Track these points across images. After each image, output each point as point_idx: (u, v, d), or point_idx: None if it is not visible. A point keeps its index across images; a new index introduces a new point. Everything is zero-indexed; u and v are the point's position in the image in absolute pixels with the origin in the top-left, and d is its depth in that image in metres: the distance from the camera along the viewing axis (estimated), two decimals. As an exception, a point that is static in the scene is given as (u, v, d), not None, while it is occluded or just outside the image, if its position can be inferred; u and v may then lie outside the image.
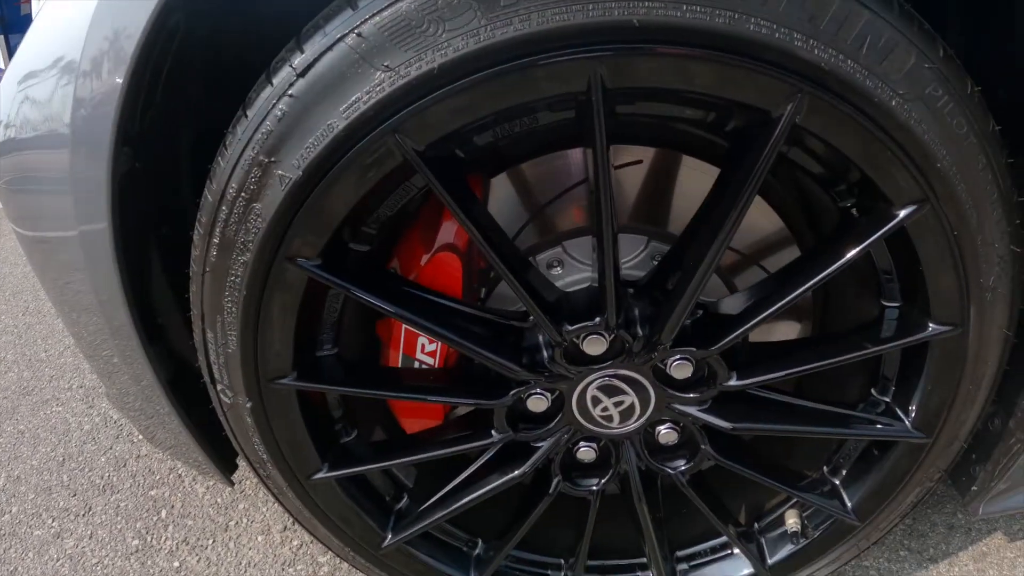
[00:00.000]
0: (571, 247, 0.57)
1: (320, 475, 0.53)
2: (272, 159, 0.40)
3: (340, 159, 0.40)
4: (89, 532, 1.01)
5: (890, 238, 0.44)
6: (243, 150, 0.41)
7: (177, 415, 0.57)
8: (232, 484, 0.68)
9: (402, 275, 0.53)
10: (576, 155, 0.55)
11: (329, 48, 0.38)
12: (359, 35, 0.37)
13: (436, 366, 0.55)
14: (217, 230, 0.43)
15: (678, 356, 0.50)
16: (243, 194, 0.42)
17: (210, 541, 0.93)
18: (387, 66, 0.37)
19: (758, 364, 0.53)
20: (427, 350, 0.53)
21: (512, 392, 0.51)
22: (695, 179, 0.54)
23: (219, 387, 0.49)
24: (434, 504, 0.58)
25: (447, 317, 0.48)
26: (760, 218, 0.57)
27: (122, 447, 1.19)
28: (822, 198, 0.50)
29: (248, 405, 0.48)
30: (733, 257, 0.59)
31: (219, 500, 1.00)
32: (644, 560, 0.64)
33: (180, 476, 1.07)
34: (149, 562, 0.93)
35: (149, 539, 0.96)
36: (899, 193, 0.42)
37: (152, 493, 1.05)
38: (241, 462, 0.63)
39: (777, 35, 0.37)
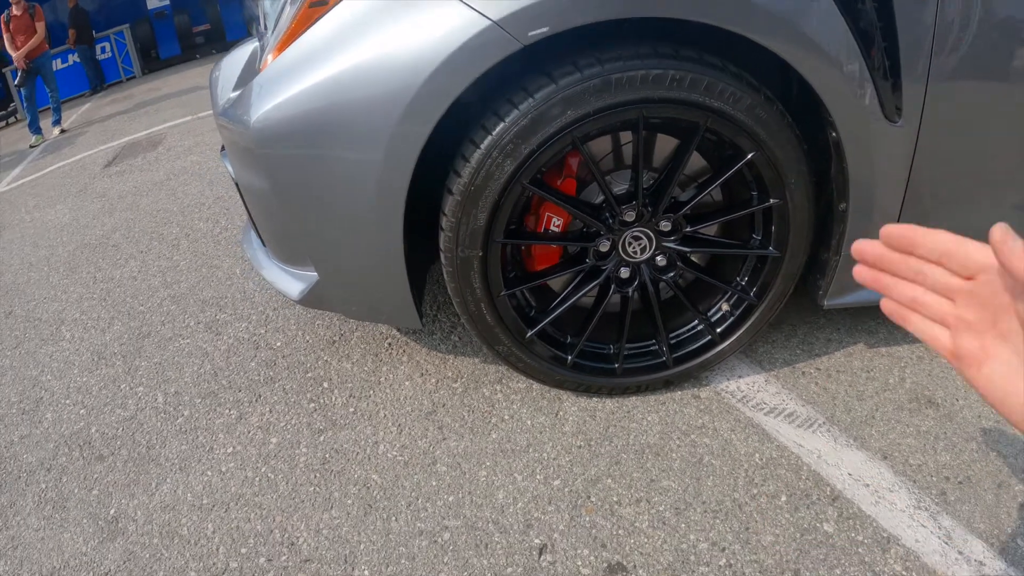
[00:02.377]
0: (616, 176, 1.11)
1: (503, 292, 1.05)
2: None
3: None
4: (268, 408, 1.41)
5: (747, 166, 1.01)
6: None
7: (408, 283, 1.07)
8: (423, 325, 1.18)
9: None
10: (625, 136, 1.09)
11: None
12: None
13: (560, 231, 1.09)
14: (483, 168, 0.93)
15: (663, 218, 1.06)
16: (500, 152, 0.92)
17: (371, 392, 1.39)
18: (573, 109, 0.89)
19: (700, 220, 1.10)
20: (555, 223, 1.07)
21: (595, 240, 1.05)
22: (669, 145, 1.10)
23: (460, 249, 1.00)
24: (551, 308, 1.12)
25: (571, 203, 1.02)
26: (697, 160, 1.14)
27: (265, 354, 1.59)
28: (719, 151, 1.08)
29: (479, 254, 0.99)
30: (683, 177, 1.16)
31: (366, 368, 1.45)
32: (654, 342, 1.21)
33: (327, 361, 1.51)
34: (329, 413, 1.37)
35: (322, 400, 1.41)
36: (747, 146, 0.97)
37: (309, 375, 1.48)
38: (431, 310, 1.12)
39: (701, 99, 0.92)
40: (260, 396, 1.45)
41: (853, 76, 0.91)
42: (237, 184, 1.23)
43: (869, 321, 1.39)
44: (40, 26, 5.35)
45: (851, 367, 1.30)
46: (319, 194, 1.01)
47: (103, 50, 7.74)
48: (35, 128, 5.45)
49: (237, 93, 1.15)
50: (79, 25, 7.29)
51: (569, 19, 0.85)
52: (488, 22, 0.84)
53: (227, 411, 1.43)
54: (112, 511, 1.22)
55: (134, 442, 1.39)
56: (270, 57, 1.03)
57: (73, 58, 7.47)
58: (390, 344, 1.52)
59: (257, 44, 1.28)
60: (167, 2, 8.20)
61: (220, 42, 8.59)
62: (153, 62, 8.26)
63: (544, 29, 0.84)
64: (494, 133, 0.91)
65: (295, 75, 0.95)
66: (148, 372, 1.61)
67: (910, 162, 1.00)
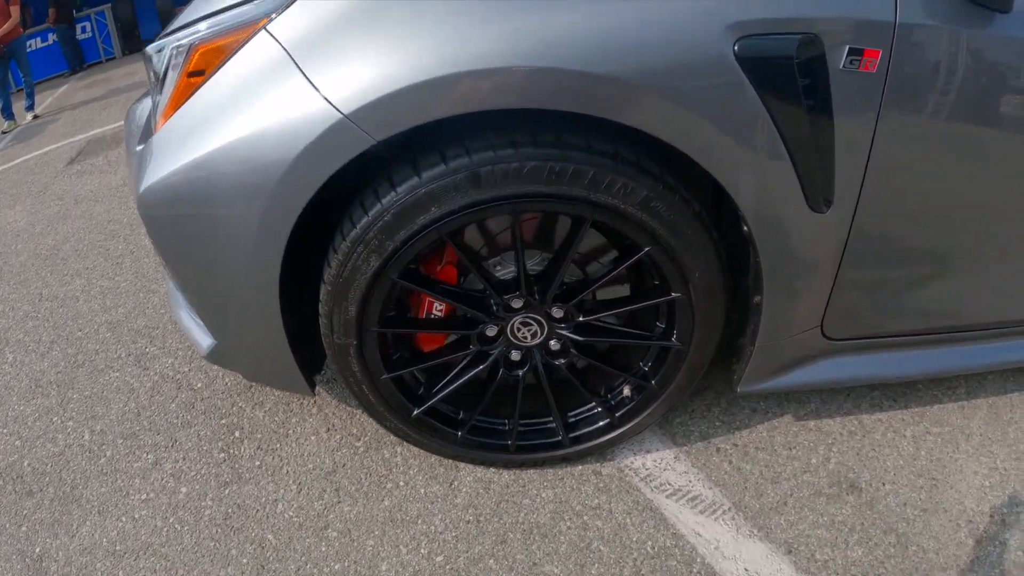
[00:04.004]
0: (505, 257, 1.10)
1: (384, 376, 1.05)
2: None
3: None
4: (182, 456, 1.42)
5: (646, 257, 0.98)
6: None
7: (292, 355, 1.07)
8: (313, 394, 1.18)
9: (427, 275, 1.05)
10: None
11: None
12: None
13: (443, 317, 1.09)
14: (349, 261, 0.92)
15: (555, 307, 1.06)
16: (365, 248, 0.91)
17: (277, 445, 1.40)
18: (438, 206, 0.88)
19: (597, 310, 1.10)
20: (437, 308, 1.06)
21: (478, 326, 1.05)
22: (563, 227, 1.08)
23: (336, 336, 0.99)
24: (437, 390, 1.12)
25: (449, 295, 1.02)
26: (593, 239, 1.12)
27: (186, 395, 1.60)
28: (619, 238, 1.07)
29: (354, 343, 0.99)
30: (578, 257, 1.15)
31: (276, 419, 1.47)
32: (551, 419, 1.22)
33: (242, 407, 1.52)
34: (236, 464, 1.38)
35: (231, 451, 1.42)
36: (643, 240, 0.95)
37: (223, 422, 1.50)
38: (318, 379, 1.13)
39: (584, 194, 0.89)
40: (176, 441, 1.47)
41: (765, 165, 0.86)
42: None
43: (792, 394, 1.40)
44: (15, 10, 5.23)
45: (772, 443, 1.30)
46: (202, 264, 1.00)
47: (83, 30, 7.59)
48: (8, 114, 5.37)
49: (140, 148, 1.14)
50: (59, 4, 7.13)
51: (428, 113, 0.82)
52: (339, 116, 0.82)
53: (145, 455, 1.45)
54: (38, 549, 1.25)
55: (60, 480, 1.42)
56: (160, 121, 1.02)
57: (53, 37, 7.33)
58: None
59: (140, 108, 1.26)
60: (149, -19, 8.02)
61: None
62: (134, 42, 8.10)
63: (395, 132, 0.82)
64: (358, 227, 0.90)
65: (177, 146, 0.94)
66: (79, 406, 1.63)
67: (841, 251, 0.98)
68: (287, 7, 0.86)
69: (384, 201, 0.88)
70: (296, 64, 0.84)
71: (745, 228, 0.94)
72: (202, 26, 0.94)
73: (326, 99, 0.81)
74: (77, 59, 7.50)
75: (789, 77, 0.81)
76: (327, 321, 0.98)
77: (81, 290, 2.23)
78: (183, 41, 0.94)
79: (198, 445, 1.44)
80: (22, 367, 1.85)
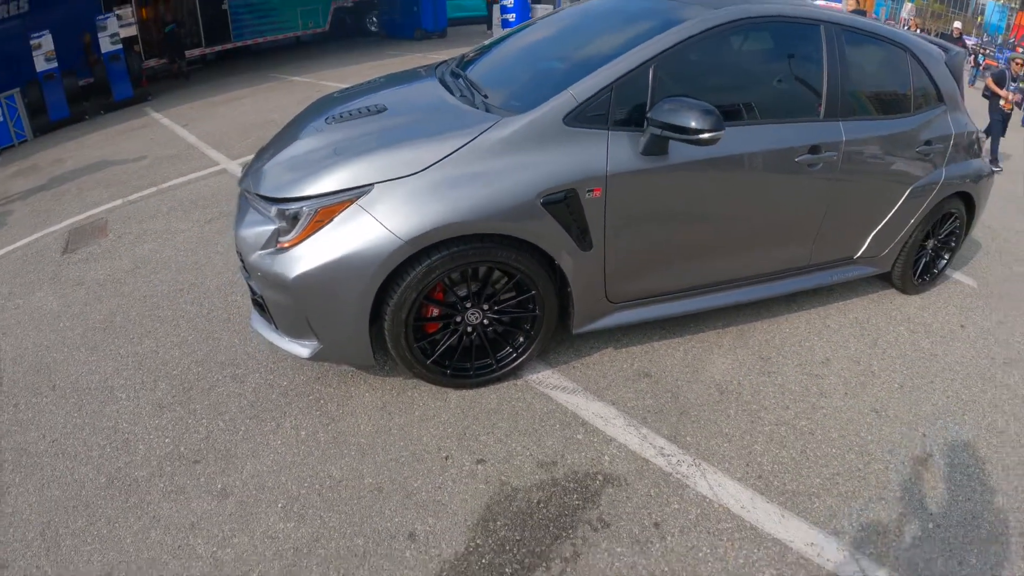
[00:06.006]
0: (461, 286, 2.41)
1: (415, 344, 2.31)
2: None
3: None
4: (291, 419, 2.51)
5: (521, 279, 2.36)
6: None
7: (369, 345, 2.29)
8: (375, 363, 2.40)
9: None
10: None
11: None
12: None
13: (437, 315, 2.38)
14: (403, 293, 2.19)
15: (484, 304, 2.38)
16: (409, 288, 2.18)
17: (347, 404, 2.57)
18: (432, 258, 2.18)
19: (505, 304, 2.44)
20: (433, 311, 2.35)
21: (457, 316, 2.36)
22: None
23: (395, 327, 2.24)
24: (436, 351, 2.40)
25: (440, 304, 2.31)
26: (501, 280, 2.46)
27: (277, 390, 2.64)
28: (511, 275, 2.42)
29: (403, 331, 2.24)
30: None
31: (341, 392, 2.63)
32: (489, 359, 2.53)
33: (319, 388, 2.62)
34: (328, 417, 2.53)
35: (322, 409, 2.56)
36: (518, 273, 2.33)
37: (309, 398, 2.61)
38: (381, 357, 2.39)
39: (493, 258, 2.25)
40: (285, 413, 2.55)
41: (562, 239, 2.24)
42: (262, 296, 2.35)
43: (620, 337, 2.84)
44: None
45: (601, 359, 2.73)
46: (328, 304, 2.19)
47: (-7, 116, 7.84)
48: (-51, 209, 5.69)
49: (267, 252, 2.27)
50: (-36, 94, 7.35)
51: (432, 238, 2.12)
52: (400, 240, 2.08)
53: (269, 424, 2.46)
54: (219, 486, 2.28)
55: (215, 449, 2.33)
56: (292, 240, 2.18)
57: (-40, 126, 7.51)
58: (387, 392, 2.70)
59: (260, 228, 2.35)
60: (55, 64, 8.42)
61: (106, 97, 8.92)
62: (43, 124, 8.43)
63: (421, 246, 2.10)
64: (406, 280, 2.16)
65: (316, 254, 2.12)
66: (204, 410, 2.62)
67: (603, 265, 2.38)
68: (365, 194, 2.11)
69: (416, 269, 2.16)
70: (374, 218, 2.09)
71: (558, 263, 2.33)
72: (323, 200, 2.14)
73: (392, 232, 2.08)
74: (-13, 144, 7.69)
75: (563, 206, 2.22)
76: (391, 321, 2.22)
77: (155, 346, 3.10)
78: (314, 205, 2.14)
79: (298, 412, 2.55)
80: (138, 399, 2.71)
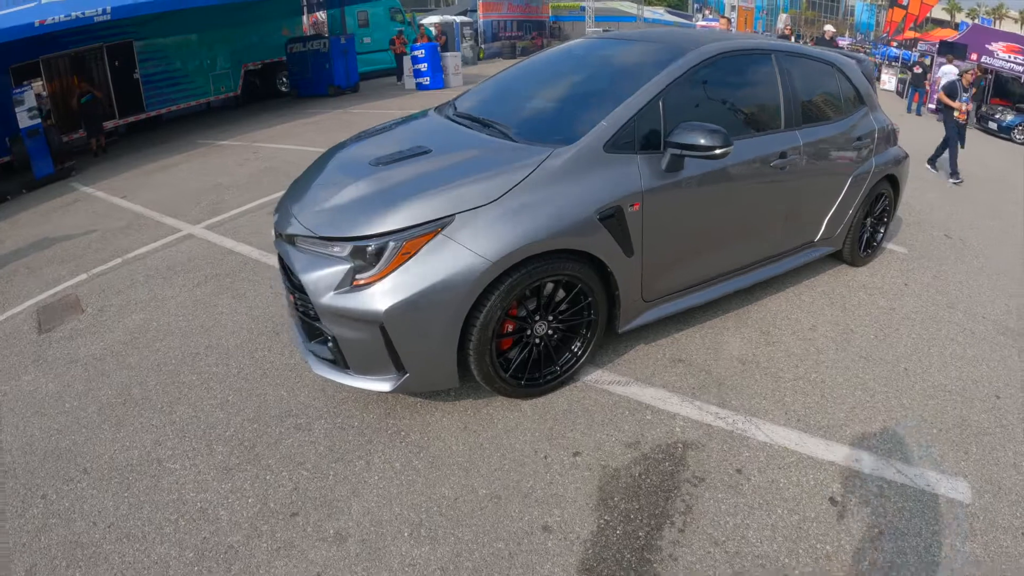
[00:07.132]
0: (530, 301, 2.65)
1: (497, 359, 2.51)
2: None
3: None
4: (378, 453, 2.55)
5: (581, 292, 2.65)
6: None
7: (456, 367, 2.45)
8: (459, 384, 2.55)
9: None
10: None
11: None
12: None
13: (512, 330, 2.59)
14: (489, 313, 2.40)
15: (549, 316, 2.64)
16: (494, 308, 2.39)
17: (428, 431, 2.67)
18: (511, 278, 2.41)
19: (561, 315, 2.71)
20: (508, 328, 2.57)
21: (527, 327, 2.59)
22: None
23: (480, 345, 2.43)
24: (511, 366, 2.60)
25: (516, 318, 2.54)
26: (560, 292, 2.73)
27: (352, 430, 2.69)
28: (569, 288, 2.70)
29: (488, 348, 2.44)
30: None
31: (417, 421, 2.72)
32: (554, 367, 2.77)
33: (391, 422, 2.71)
34: (407, 444, 2.61)
35: (400, 437, 2.63)
36: (578, 282, 2.62)
37: (382, 433, 2.69)
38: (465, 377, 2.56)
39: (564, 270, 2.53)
40: (369, 451, 2.61)
41: (612, 248, 2.56)
42: (334, 337, 2.44)
43: (648, 334, 3.18)
44: None
45: (645, 352, 3.06)
46: (417, 333, 2.33)
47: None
48: None
49: (343, 291, 2.38)
50: None
51: (514, 259, 2.35)
52: (488, 261, 2.29)
53: (358, 462, 2.46)
54: (332, 530, 2.31)
55: (311, 499, 2.25)
56: (376, 275, 2.32)
57: None
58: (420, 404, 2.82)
59: (330, 269, 2.44)
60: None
61: (25, 175, 8.21)
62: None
63: (505, 266, 2.34)
64: (491, 300, 2.37)
65: (405, 286, 2.27)
66: (278, 463, 2.53)
67: (641, 268, 2.71)
68: (448, 224, 2.31)
69: (500, 288, 2.38)
70: (461, 244, 2.30)
71: (610, 270, 2.65)
72: (407, 232, 2.30)
73: (480, 255, 2.29)
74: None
75: (614, 220, 2.56)
76: (477, 340, 2.41)
77: (192, 412, 2.78)
78: (400, 239, 2.29)
79: (384, 447, 2.61)
80: (197, 467, 2.38)
